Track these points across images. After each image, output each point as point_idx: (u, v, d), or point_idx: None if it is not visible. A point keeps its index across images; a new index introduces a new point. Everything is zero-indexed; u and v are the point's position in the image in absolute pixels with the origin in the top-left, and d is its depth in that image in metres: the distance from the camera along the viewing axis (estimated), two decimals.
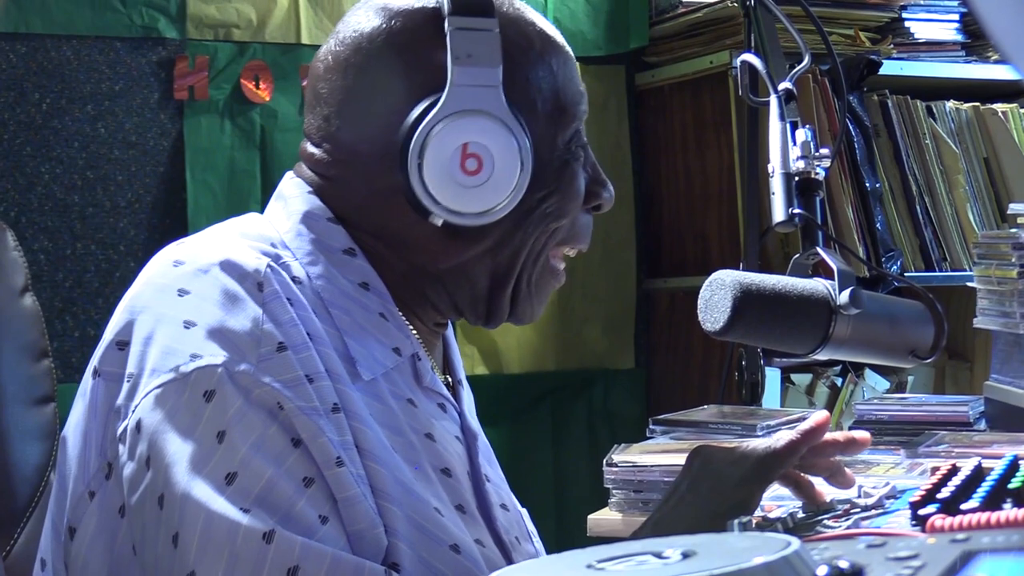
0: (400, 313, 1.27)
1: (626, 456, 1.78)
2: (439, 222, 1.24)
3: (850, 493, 1.44)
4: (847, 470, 1.47)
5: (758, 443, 1.38)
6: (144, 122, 2.86)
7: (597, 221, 1.37)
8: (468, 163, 1.22)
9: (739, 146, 3.02)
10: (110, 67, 2.83)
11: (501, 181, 1.23)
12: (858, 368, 3.16)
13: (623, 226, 3.31)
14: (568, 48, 1.33)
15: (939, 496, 1.19)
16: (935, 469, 1.36)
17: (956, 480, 1.24)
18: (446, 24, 1.23)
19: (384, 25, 1.27)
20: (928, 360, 1.53)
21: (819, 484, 1.45)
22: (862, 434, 1.46)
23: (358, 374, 1.20)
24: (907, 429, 1.94)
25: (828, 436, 1.44)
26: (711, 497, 1.33)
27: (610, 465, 1.77)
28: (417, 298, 1.29)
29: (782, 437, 1.38)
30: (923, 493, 1.21)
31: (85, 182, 2.80)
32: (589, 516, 1.78)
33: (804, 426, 1.39)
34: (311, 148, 1.31)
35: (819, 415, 1.40)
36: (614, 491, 1.77)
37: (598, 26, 3.29)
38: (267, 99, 2.94)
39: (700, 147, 3.22)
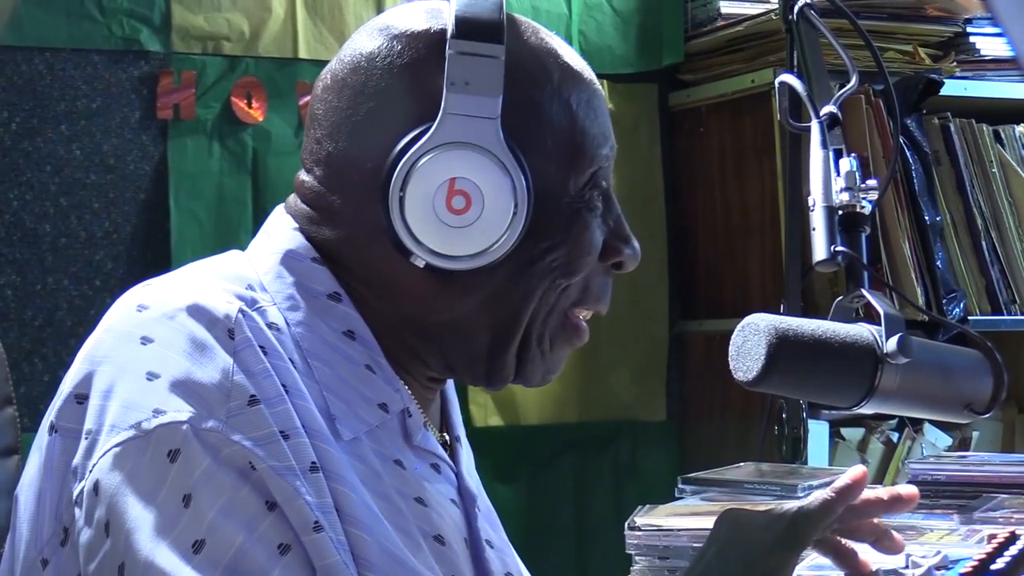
0: (389, 365, 1.27)
1: (650, 519, 1.79)
2: (421, 264, 1.24)
3: (897, 562, 1.45)
4: (895, 533, 1.47)
5: (790, 505, 1.38)
6: (124, 144, 2.88)
7: None
8: (455, 201, 1.23)
9: (783, 174, 3.03)
10: (87, 83, 2.85)
11: (491, 223, 1.23)
12: (916, 422, 3.16)
13: (654, 262, 3.32)
14: (596, 84, 1.33)
15: (993, 567, 1.20)
16: (992, 537, 1.37)
17: (1013, 550, 1.25)
18: (447, 47, 1.24)
19: (386, 46, 1.28)
20: (985, 415, 1.53)
21: (863, 550, 1.45)
22: (909, 490, 1.45)
23: (339, 432, 1.21)
24: (967, 492, 1.94)
25: (870, 494, 1.44)
26: (741, 566, 1.34)
27: (632, 529, 1.78)
28: (406, 352, 1.29)
29: (816, 497, 1.38)
30: (976, 564, 1.22)
31: (58, 210, 2.82)
32: None
33: (839, 483, 1.40)
34: (303, 175, 1.32)
35: (855, 470, 1.41)
36: (637, 558, 1.78)
37: (628, 41, 3.31)
38: (260, 119, 2.96)
39: (740, 175, 3.24)
